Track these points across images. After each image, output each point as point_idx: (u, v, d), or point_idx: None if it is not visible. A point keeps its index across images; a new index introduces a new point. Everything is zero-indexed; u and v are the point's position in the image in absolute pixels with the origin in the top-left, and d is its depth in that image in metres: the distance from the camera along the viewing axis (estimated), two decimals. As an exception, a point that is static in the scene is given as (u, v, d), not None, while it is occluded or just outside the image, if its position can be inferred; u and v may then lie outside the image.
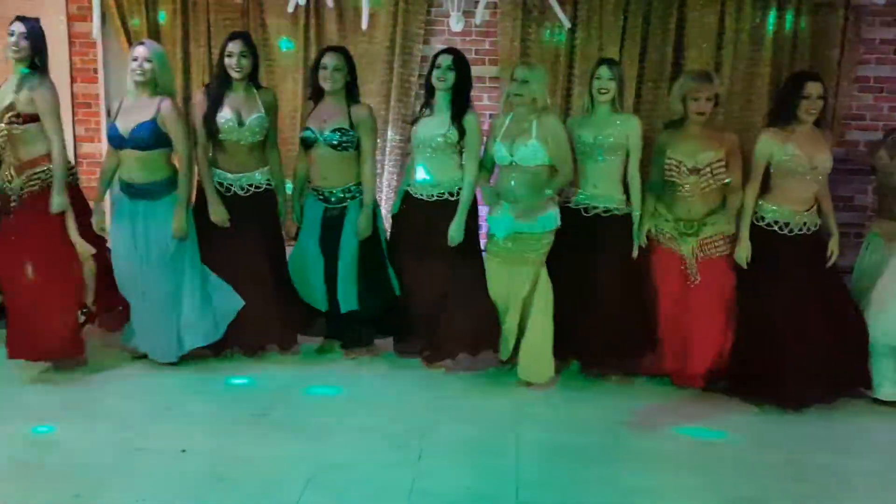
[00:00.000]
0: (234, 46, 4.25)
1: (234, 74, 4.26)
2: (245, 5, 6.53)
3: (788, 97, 4.08)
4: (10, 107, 4.10)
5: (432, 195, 4.33)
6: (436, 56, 4.30)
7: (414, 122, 4.35)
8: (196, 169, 4.37)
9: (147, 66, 4.12)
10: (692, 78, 4.17)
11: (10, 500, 3.06)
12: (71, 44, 6.68)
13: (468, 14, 6.06)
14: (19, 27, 4.11)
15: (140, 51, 4.15)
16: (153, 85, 4.18)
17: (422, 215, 4.35)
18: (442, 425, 3.83)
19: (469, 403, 4.11)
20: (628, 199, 4.28)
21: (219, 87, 4.34)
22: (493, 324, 4.31)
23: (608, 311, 4.21)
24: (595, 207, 4.25)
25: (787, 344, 4.02)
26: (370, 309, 4.48)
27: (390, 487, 3.24)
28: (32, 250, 4.20)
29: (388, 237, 4.59)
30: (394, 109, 6.43)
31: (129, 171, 4.22)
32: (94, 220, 4.36)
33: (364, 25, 5.92)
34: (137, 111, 4.16)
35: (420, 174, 4.33)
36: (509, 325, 4.29)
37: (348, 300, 4.44)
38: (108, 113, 4.33)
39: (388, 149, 6.26)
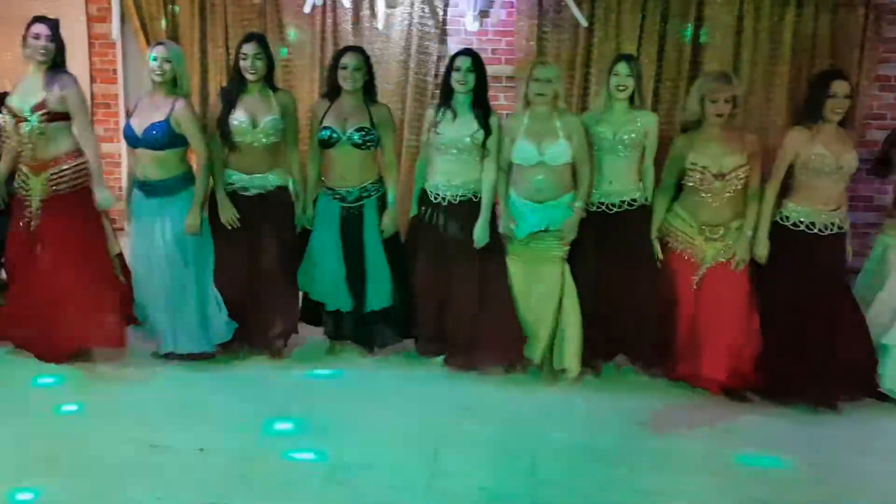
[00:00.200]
0: (249, 48, 4.25)
1: (249, 76, 4.27)
2: (262, 6, 6.55)
3: (815, 96, 4.04)
4: (42, 104, 4.14)
5: (455, 197, 4.30)
6: (452, 58, 4.27)
7: (434, 124, 4.29)
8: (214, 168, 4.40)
9: (166, 66, 4.15)
10: (712, 79, 4.12)
11: (32, 496, 3.08)
12: (90, 44, 6.73)
13: (484, 14, 6.08)
14: (44, 30, 4.15)
15: (158, 50, 4.18)
16: (171, 85, 4.21)
17: (444, 217, 4.32)
18: (460, 425, 3.82)
19: (487, 403, 4.10)
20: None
21: (234, 88, 4.35)
22: (522, 334, 4.32)
23: (632, 310, 4.22)
24: (612, 204, 4.23)
25: (818, 344, 4.02)
26: (399, 306, 4.51)
27: (408, 486, 3.24)
28: (69, 250, 4.26)
29: (406, 239, 4.58)
30: (410, 110, 6.43)
31: (144, 169, 4.26)
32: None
33: (380, 25, 5.93)
34: (152, 111, 4.19)
35: (442, 176, 4.31)
36: (541, 327, 4.28)
37: (380, 298, 4.46)
38: (128, 113, 4.35)
39: (403, 149, 6.25)
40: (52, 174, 4.22)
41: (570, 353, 4.28)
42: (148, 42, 6.45)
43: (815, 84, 4.11)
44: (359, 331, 4.61)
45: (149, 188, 4.27)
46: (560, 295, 4.25)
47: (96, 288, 4.34)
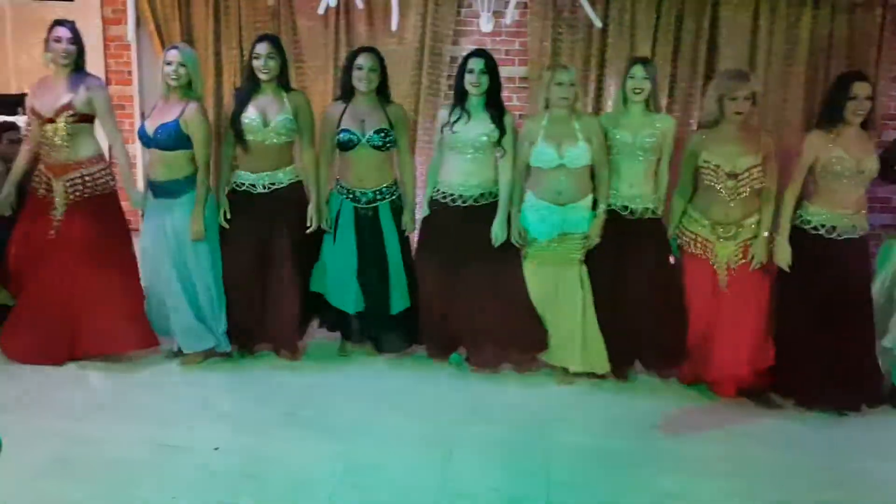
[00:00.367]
0: (262, 48, 4.26)
1: (262, 76, 4.28)
2: (276, 7, 6.57)
3: (835, 98, 3.98)
4: (69, 106, 4.18)
5: (472, 197, 4.29)
6: (465, 60, 4.26)
7: (447, 124, 4.28)
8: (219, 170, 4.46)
9: (181, 70, 4.17)
10: (729, 77, 4.07)
11: (47, 495, 3.10)
12: (105, 46, 6.77)
13: (498, 14, 6.06)
14: (65, 33, 4.18)
15: (173, 55, 4.19)
16: (185, 88, 4.23)
17: (459, 218, 4.31)
18: (472, 426, 3.82)
19: (500, 405, 4.09)
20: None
21: (247, 88, 4.37)
22: (539, 329, 4.31)
23: (650, 314, 4.20)
24: (634, 209, 4.21)
25: (834, 348, 3.99)
26: (412, 309, 4.52)
27: (420, 488, 3.24)
28: (97, 254, 4.30)
29: (419, 240, 4.57)
30: (423, 111, 6.43)
31: (154, 169, 4.30)
32: None
33: (394, 26, 5.93)
34: (165, 112, 4.22)
35: (459, 176, 4.30)
36: (563, 329, 4.28)
37: (402, 299, 4.47)
38: (143, 115, 4.39)
39: (416, 150, 6.26)
40: (76, 177, 4.26)
41: (597, 354, 4.27)
42: (163, 44, 6.48)
43: (835, 86, 4.04)
44: (378, 333, 4.62)
45: (157, 188, 4.30)
46: (582, 297, 4.25)
47: (126, 291, 4.39)
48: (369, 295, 4.45)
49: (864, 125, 4.00)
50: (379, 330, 4.61)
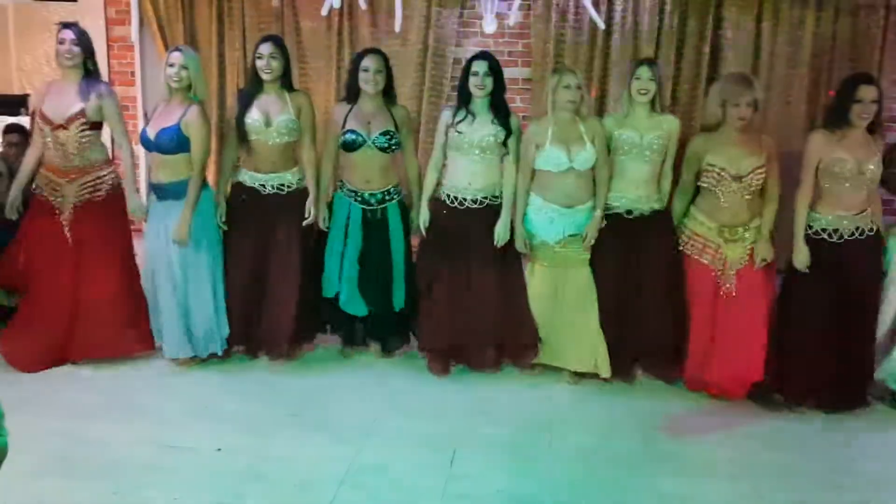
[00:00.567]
0: (265, 48, 4.27)
1: (265, 76, 4.28)
2: (280, 9, 6.58)
3: (841, 100, 3.97)
4: (81, 114, 4.19)
5: (478, 200, 4.28)
6: (469, 62, 4.26)
7: (451, 125, 4.26)
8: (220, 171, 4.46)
9: (184, 73, 4.17)
10: (733, 83, 4.06)
11: (51, 496, 3.10)
12: (109, 47, 6.78)
13: (501, 16, 6.06)
14: (69, 34, 4.18)
15: (176, 57, 4.19)
16: (187, 91, 4.22)
17: (463, 219, 4.30)
18: (476, 427, 3.82)
19: (503, 406, 4.09)
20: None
21: (250, 89, 4.37)
22: (534, 332, 4.33)
23: (655, 316, 4.20)
24: (640, 210, 4.20)
25: (837, 349, 4.01)
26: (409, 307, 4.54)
27: (424, 489, 3.23)
28: (104, 257, 4.31)
29: (421, 241, 4.56)
30: (426, 112, 6.44)
31: (157, 172, 4.30)
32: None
33: (398, 28, 5.93)
34: (166, 116, 4.21)
35: (465, 178, 4.29)
36: (571, 331, 4.29)
37: (400, 299, 4.49)
38: (146, 115, 4.39)
39: (418, 152, 6.26)
40: (86, 182, 4.27)
41: (601, 356, 4.28)
42: (166, 45, 6.50)
43: (842, 88, 4.03)
44: (380, 333, 4.63)
45: (159, 191, 4.30)
46: (590, 298, 4.26)
47: (129, 294, 4.39)
48: (375, 296, 4.46)
49: (872, 128, 3.98)
50: (385, 330, 4.61)
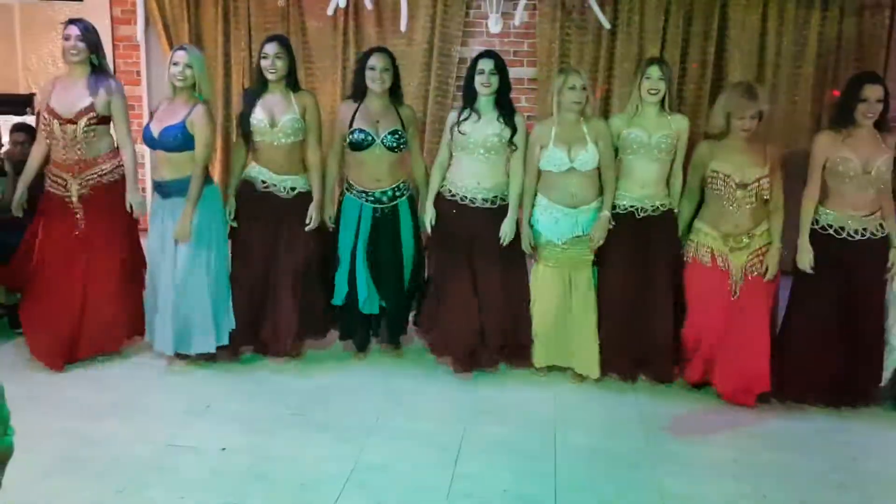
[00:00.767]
0: (270, 48, 4.28)
1: (270, 76, 4.29)
2: (285, 8, 6.58)
3: (846, 99, 3.97)
4: (91, 108, 4.21)
5: (486, 200, 4.28)
6: (475, 61, 4.26)
7: (456, 125, 4.27)
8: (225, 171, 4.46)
9: (188, 71, 4.17)
10: (738, 95, 4.02)
11: (55, 495, 3.11)
12: (115, 46, 6.80)
13: (507, 16, 6.07)
14: (74, 30, 4.20)
15: (180, 56, 4.19)
16: (192, 90, 4.23)
17: (468, 219, 4.29)
18: (480, 427, 3.82)
19: (507, 405, 4.09)
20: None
21: (255, 88, 4.39)
22: (530, 330, 4.36)
23: (659, 317, 4.20)
24: (646, 209, 4.20)
25: (842, 348, 4.02)
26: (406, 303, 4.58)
27: (428, 488, 3.24)
28: (110, 249, 4.33)
29: (430, 243, 4.56)
30: (431, 112, 6.44)
31: (161, 170, 4.29)
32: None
33: (403, 27, 5.94)
34: (170, 114, 4.22)
35: (471, 178, 4.28)
36: (577, 331, 4.30)
37: (412, 293, 4.53)
38: (151, 115, 4.38)
39: (424, 151, 6.27)
40: (92, 174, 4.28)
41: (590, 358, 4.30)
42: (171, 44, 6.51)
43: (847, 87, 4.04)
44: (392, 329, 4.65)
45: (164, 189, 4.30)
46: (591, 299, 4.28)
47: (133, 285, 4.42)
48: (388, 293, 4.46)
49: (881, 127, 3.97)
50: (397, 326, 4.63)
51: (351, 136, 4.31)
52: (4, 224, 4.55)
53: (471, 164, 4.26)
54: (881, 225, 4.02)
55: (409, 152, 4.47)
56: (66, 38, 4.21)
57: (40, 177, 4.41)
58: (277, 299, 4.42)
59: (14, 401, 1.99)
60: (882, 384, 4.13)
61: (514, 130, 4.21)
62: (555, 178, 4.20)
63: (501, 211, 4.28)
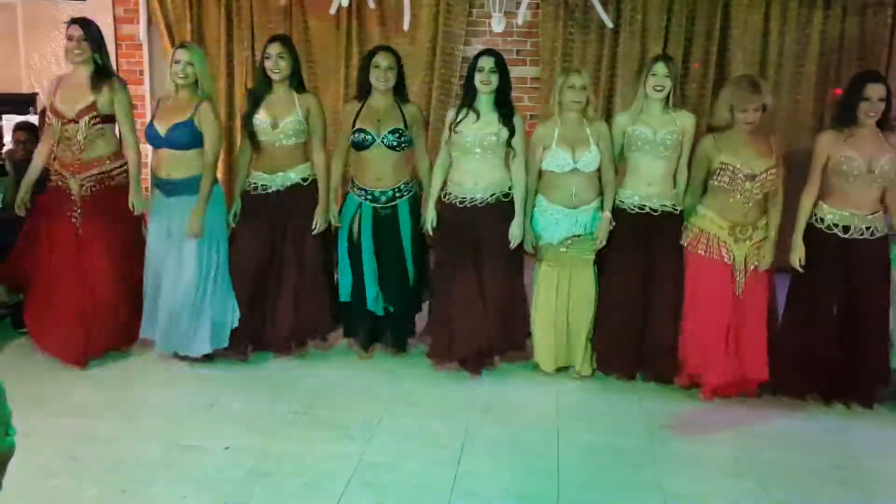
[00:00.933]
0: (273, 48, 4.28)
1: (273, 76, 4.30)
2: (288, 7, 6.58)
3: (849, 98, 3.98)
4: (92, 107, 4.22)
5: (480, 199, 4.26)
6: (475, 58, 4.26)
7: (455, 124, 4.27)
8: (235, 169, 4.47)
9: (189, 69, 4.18)
10: (741, 88, 4.03)
11: (59, 494, 3.11)
12: (117, 46, 6.80)
13: (510, 15, 6.07)
14: (77, 31, 4.21)
15: (181, 54, 4.20)
16: (194, 87, 4.24)
17: (468, 219, 4.28)
18: (483, 426, 3.82)
19: (510, 404, 4.10)
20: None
21: (259, 89, 4.39)
22: (525, 324, 4.40)
23: (662, 317, 4.21)
24: (652, 208, 4.20)
25: (842, 345, 4.03)
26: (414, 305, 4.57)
27: (431, 487, 3.24)
28: (111, 249, 4.33)
29: (434, 245, 4.56)
30: (434, 110, 6.44)
31: (168, 168, 4.27)
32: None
33: (406, 26, 5.93)
34: (175, 112, 4.22)
35: (469, 177, 4.28)
36: (578, 330, 4.33)
37: (418, 296, 4.53)
38: (153, 116, 4.37)
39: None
40: (93, 174, 4.29)
41: (586, 356, 4.36)
42: (173, 43, 6.51)
43: (850, 86, 4.05)
44: (398, 331, 4.63)
45: (170, 187, 4.29)
46: (590, 299, 4.29)
47: (133, 287, 4.41)
48: (394, 296, 4.46)
49: (883, 125, 3.97)
50: (403, 329, 4.62)
51: (352, 137, 4.32)
52: (5, 223, 4.55)
53: (468, 163, 4.26)
54: (884, 223, 4.03)
55: (413, 151, 4.46)
56: (70, 37, 4.21)
57: (42, 176, 4.42)
58: (280, 298, 4.43)
59: (16, 400, 1.99)
60: (889, 387, 4.15)
61: (512, 131, 4.20)
62: (557, 179, 4.20)
63: (499, 209, 4.26)
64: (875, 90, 3.90)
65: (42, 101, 6.54)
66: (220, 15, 6.67)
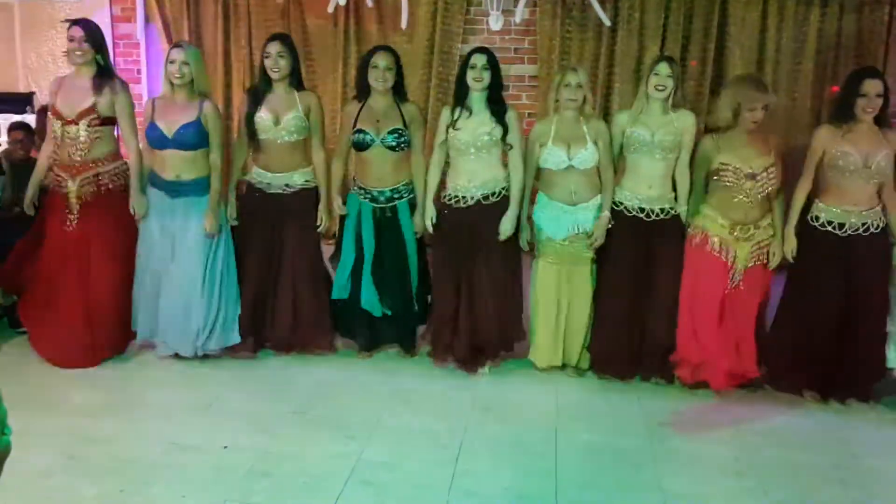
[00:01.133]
0: (273, 47, 4.29)
1: (273, 75, 4.30)
2: (285, 6, 6.58)
3: (846, 94, 3.99)
4: (92, 109, 4.20)
5: (478, 197, 4.25)
6: (468, 56, 4.25)
7: (450, 124, 4.27)
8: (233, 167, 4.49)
9: (185, 69, 4.18)
10: (748, 87, 4.03)
11: (58, 494, 3.11)
12: (115, 45, 6.79)
13: (507, 13, 6.06)
14: (78, 31, 4.19)
15: (177, 53, 4.19)
16: (190, 87, 4.23)
17: (465, 219, 4.27)
18: (482, 425, 3.82)
19: (509, 403, 4.09)
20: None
21: (260, 87, 4.39)
22: (520, 320, 4.41)
23: (661, 318, 4.21)
24: (652, 209, 4.19)
25: (836, 342, 4.04)
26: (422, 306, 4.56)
27: (430, 486, 3.24)
28: (108, 252, 4.32)
29: (433, 245, 4.55)
30: (432, 109, 6.43)
31: (177, 170, 4.25)
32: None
33: (404, 25, 5.93)
34: (178, 112, 4.21)
35: (464, 176, 4.27)
36: (575, 328, 4.35)
37: (420, 297, 4.51)
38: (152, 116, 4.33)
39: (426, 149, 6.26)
40: (91, 176, 4.27)
41: (583, 352, 4.38)
42: (171, 42, 6.50)
43: (847, 82, 4.06)
44: (401, 333, 4.62)
45: (180, 189, 4.27)
46: (588, 296, 4.30)
47: (128, 289, 4.39)
48: (394, 297, 4.44)
49: (880, 122, 3.98)
50: (406, 330, 4.61)
51: (353, 137, 4.32)
52: (2, 223, 4.54)
53: (463, 163, 4.26)
54: (881, 219, 4.03)
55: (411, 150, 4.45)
56: (71, 38, 4.19)
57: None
58: (279, 299, 4.44)
59: (15, 400, 1.99)
60: (884, 378, 4.15)
61: (505, 128, 4.19)
62: (554, 176, 4.21)
63: (495, 207, 4.24)
64: (872, 86, 3.90)
65: (39, 100, 6.55)
66: (217, 13, 6.67)
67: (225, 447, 3.50)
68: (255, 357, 4.51)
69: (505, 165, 4.28)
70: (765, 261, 4.11)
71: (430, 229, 4.38)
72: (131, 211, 4.32)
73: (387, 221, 4.40)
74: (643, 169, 4.17)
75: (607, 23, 6.13)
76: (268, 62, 4.29)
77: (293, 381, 4.27)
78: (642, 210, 4.19)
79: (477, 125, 4.20)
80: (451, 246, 4.34)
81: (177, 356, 4.42)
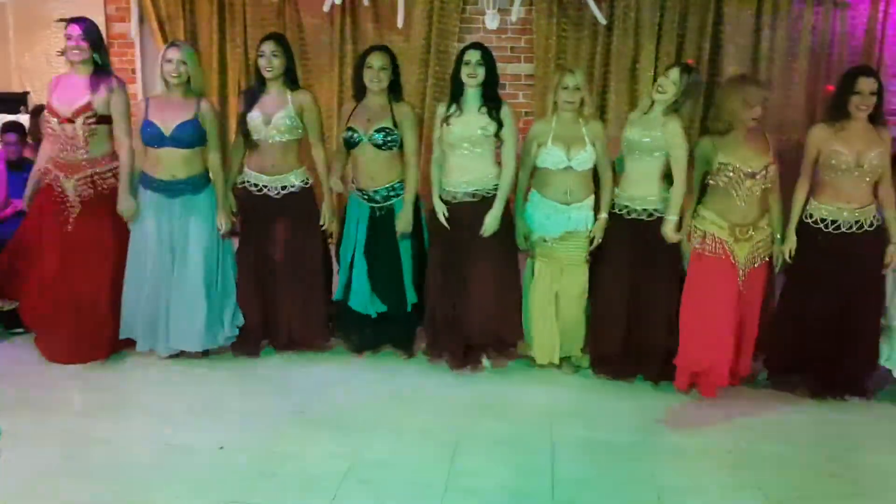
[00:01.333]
0: (266, 47, 4.29)
1: (266, 74, 4.30)
2: (281, 5, 6.57)
3: (840, 92, 4.00)
4: (88, 107, 4.19)
5: (468, 194, 4.25)
6: (462, 52, 4.25)
7: (444, 120, 4.26)
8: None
9: (182, 68, 4.17)
10: (747, 84, 4.03)
11: (54, 495, 3.09)
12: (109, 44, 6.76)
13: (503, 12, 6.07)
14: (76, 30, 4.18)
15: (173, 53, 4.19)
16: (186, 86, 4.23)
17: (460, 216, 4.27)
18: (478, 423, 3.83)
19: (505, 401, 4.10)
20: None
21: (255, 87, 4.40)
22: (517, 319, 4.40)
23: (657, 319, 4.22)
24: (646, 210, 4.19)
25: (833, 339, 4.06)
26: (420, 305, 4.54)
27: (427, 484, 3.24)
28: (103, 251, 4.31)
29: (430, 241, 4.54)
30: (429, 108, 6.43)
31: (172, 169, 4.24)
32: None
33: (400, 23, 5.93)
34: (175, 111, 4.20)
35: (457, 173, 4.27)
36: (571, 326, 4.36)
37: (412, 296, 4.48)
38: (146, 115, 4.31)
39: (423, 148, 6.25)
40: (87, 176, 4.26)
41: (575, 341, 4.40)
42: (166, 42, 6.49)
43: (842, 80, 4.07)
44: (395, 333, 4.62)
45: (176, 188, 4.26)
46: (583, 295, 4.31)
47: (117, 288, 4.37)
48: (388, 296, 4.45)
49: (875, 120, 3.99)
50: (400, 330, 4.61)
51: (343, 135, 4.35)
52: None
53: (457, 159, 4.25)
54: (875, 217, 4.04)
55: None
56: (68, 37, 4.18)
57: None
58: (278, 299, 4.45)
59: (11, 401, 1.99)
60: (875, 371, 4.19)
61: (499, 125, 4.18)
62: (551, 176, 4.21)
63: (489, 204, 4.23)
64: (867, 84, 3.92)
65: (32, 100, 6.54)
66: (212, 12, 6.65)
67: (221, 448, 3.48)
68: (254, 356, 4.51)
69: (500, 163, 4.28)
70: (765, 260, 4.11)
71: (445, 221, 4.31)
72: (119, 212, 4.28)
73: (383, 221, 4.39)
74: (633, 171, 4.20)
75: (603, 21, 6.14)
76: (262, 61, 4.29)
77: (291, 380, 4.27)
78: (637, 212, 4.19)
79: (470, 121, 4.19)
80: (444, 241, 4.34)
81: (175, 356, 4.42)
